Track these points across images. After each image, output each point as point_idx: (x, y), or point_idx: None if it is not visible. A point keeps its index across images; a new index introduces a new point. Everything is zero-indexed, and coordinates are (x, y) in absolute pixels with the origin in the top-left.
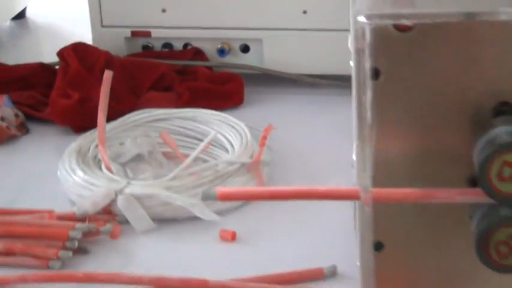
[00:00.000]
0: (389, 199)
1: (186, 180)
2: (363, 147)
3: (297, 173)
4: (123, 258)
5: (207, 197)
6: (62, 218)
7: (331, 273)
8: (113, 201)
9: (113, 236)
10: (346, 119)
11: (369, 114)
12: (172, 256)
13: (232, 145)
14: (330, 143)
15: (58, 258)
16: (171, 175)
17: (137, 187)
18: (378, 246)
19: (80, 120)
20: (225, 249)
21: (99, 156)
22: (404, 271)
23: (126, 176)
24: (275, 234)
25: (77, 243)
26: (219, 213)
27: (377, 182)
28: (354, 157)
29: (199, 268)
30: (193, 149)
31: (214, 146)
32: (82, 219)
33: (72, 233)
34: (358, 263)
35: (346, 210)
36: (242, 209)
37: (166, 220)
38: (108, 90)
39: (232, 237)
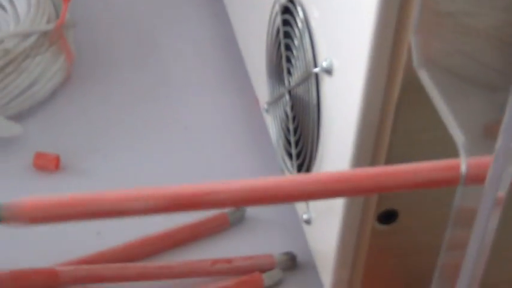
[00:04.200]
0: None
1: None
2: None
3: (119, 33)
4: None
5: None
6: None
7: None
8: None
9: None
10: None
11: None
12: None
13: (15, 8)
14: None
15: None
16: None
17: None
18: None
19: None
20: (47, 183)
21: None
22: None
23: None
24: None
25: None
26: (20, 119)
27: None
28: None
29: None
30: None
31: None
32: None
33: None
34: None
35: None
36: (49, 104)
37: None
38: None
39: (56, 163)
